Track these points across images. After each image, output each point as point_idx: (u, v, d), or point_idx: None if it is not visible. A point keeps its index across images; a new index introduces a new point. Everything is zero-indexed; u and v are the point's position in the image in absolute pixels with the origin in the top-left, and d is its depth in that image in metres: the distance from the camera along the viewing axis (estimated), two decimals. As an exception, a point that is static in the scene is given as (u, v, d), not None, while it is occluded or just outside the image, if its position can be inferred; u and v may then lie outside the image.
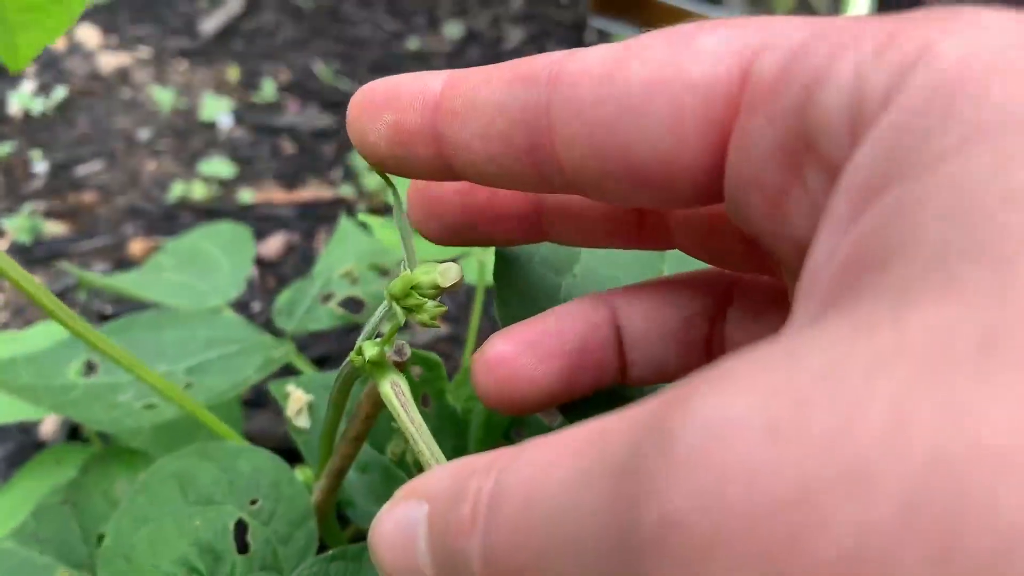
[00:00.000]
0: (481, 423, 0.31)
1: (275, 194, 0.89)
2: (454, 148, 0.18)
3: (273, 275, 0.77)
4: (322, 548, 0.28)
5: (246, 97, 1.03)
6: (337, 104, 1.02)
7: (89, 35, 1.11)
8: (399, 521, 0.16)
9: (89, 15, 1.14)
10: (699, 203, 0.17)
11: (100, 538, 0.35)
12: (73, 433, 0.58)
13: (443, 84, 0.19)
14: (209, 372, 0.40)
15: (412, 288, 0.20)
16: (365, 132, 0.19)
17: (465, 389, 0.32)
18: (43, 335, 0.48)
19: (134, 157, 0.93)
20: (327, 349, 0.68)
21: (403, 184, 0.22)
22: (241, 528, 0.28)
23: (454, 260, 0.21)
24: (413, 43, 1.15)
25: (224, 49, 1.12)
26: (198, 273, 0.52)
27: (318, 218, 0.85)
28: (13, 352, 0.41)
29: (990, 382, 0.09)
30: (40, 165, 0.91)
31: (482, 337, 0.24)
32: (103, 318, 0.71)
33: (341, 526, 0.34)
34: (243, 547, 0.27)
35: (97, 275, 0.60)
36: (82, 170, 0.91)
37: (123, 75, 1.05)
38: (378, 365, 0.21)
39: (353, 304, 0.46)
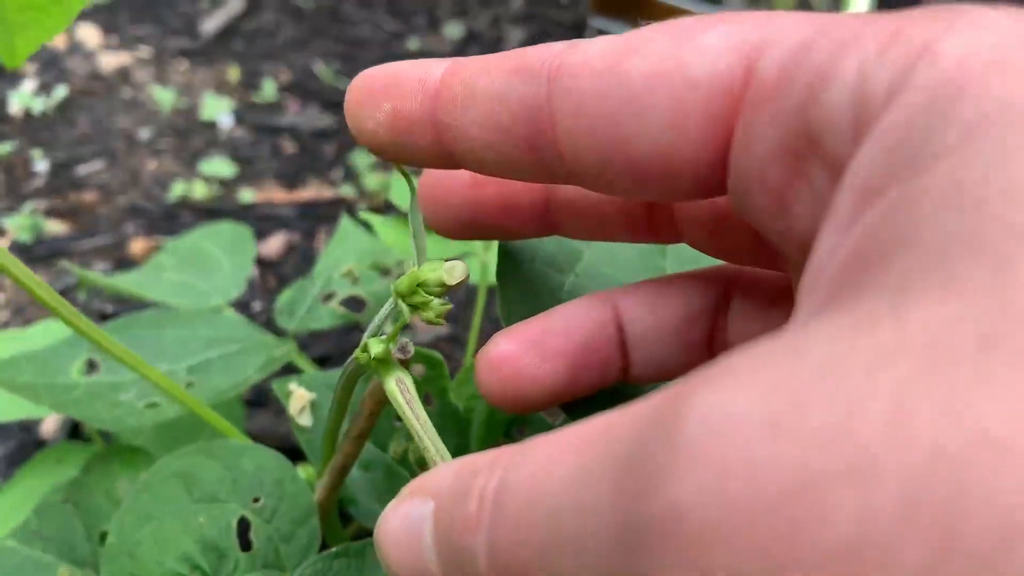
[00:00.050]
0: (483, 421, 0.31)
1: (276, 194, 0.89)
2: (453, 136, 0.19)
3: (274, 275, 0.78)
4: (324, 546, 0.28)
5: (247, 97, 1.03)
6: (338, 104, 1.02)
7: (90, 35, 1.11)
8: (405, 518, 0.16)
9: (89, 15, 1.14)
10: (700, 196, 0.18)
11: (102, 536, 0.35)
12: (74, 432, 0.58)
13: (443, 72, 0.19)
14: (210, 371, 0.39)
15: (418, 285, 0.20)
16: (364, 119, 0.19)
17: (467, 388, 0.32)
18: (44, 334, 0.48)
19: (135, 156, 0.93)
20: (328, 348, 0.68)
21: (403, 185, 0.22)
22: (244, 526, 0.28)
23: (458, 258, 0.21)
24: (413, 43, 1.15)
25: (225, 49, 1.12)
26: (199, 273, 0.52)
27: (318, 218, 0.85)
28: (14, 350, 0.41)
29: (990, 379, 0.09)
30: (41, 164, 0.91)
31: (483, 337, 0.25)
32: (103, 317, 0.71)
33: (343, 524, 0.34)
34: (246, 545, 0.27)
35: (98, 274, 0.60)
36: (83, 169, 0.91)
37: (124, 75, 1.05)
38: (383, 362, 0.21)
39: (354, 303, 0.46)
